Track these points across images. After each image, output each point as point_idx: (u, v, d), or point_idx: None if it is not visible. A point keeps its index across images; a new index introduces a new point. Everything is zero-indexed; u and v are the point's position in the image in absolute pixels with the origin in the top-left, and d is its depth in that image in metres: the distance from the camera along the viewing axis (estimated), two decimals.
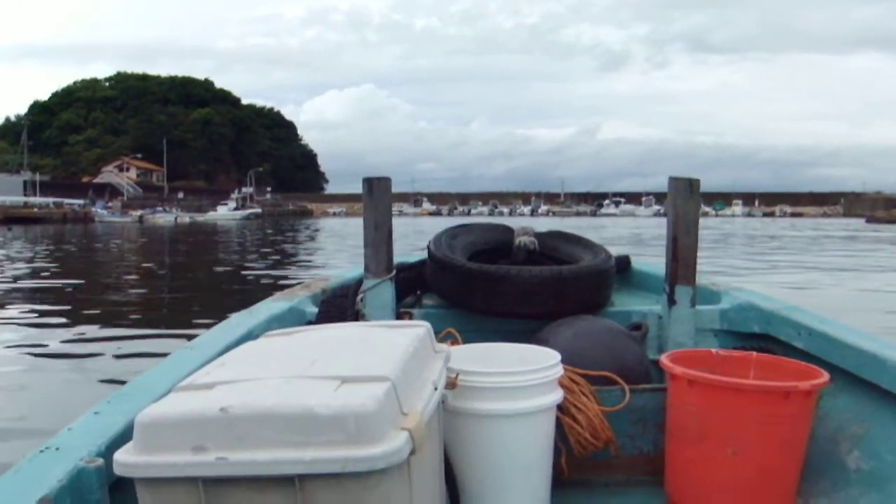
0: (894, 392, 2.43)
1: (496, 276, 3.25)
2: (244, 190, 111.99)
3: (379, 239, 3.33)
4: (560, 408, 2.45)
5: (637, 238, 36.46)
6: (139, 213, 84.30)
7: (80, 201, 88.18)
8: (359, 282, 3.44)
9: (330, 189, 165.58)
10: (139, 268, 20.73)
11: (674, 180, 3.28)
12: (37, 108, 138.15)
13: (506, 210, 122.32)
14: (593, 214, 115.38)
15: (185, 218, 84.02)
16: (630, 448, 2.78)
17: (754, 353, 2.79)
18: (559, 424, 2.48)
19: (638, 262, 4.33)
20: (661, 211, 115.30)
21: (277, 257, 23.53)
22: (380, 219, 3.32)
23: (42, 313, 10.66)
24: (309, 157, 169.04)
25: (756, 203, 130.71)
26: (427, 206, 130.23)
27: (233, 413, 1.46)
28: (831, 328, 2.87)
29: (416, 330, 2.01)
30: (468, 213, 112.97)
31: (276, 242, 32.83)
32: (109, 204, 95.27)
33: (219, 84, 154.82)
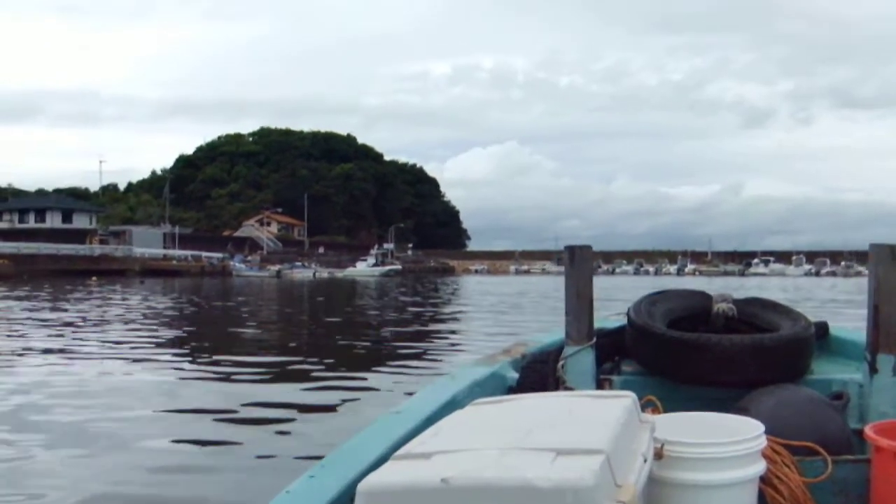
0: None
1: (696, 343, 3.27)
2: (385, 246, 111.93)
3: (581, 306, 3.38)
4: (762, 478, 2.44)
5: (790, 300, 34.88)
6: (277, 267, 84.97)
7: (219, 255, 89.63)
8: (559, 348, 3.49)
9: (472, 246, 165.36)
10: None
11: (875, 247, 3.24)
12: (182, 162, 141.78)
13: (651, 269, 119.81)
14: (742, 274, 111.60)
15: (324, 273, 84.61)
16: None
17: None
18: (762, 495, 2.47)
19: (836, 329, 4.25)
20: (813, 270, 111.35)
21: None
22: (581, 286, 3.37)
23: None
24: (451, 214, 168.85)
25: None
26: None
27: (454, 484, 1.50)
28: None
29: (623, 401, 2.04)
30: (612, 272, 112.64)
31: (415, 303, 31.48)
32: (248, 258, 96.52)
33: (362, 140, 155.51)
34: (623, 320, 3.76)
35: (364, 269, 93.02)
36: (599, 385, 3.41)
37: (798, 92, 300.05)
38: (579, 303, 3.39)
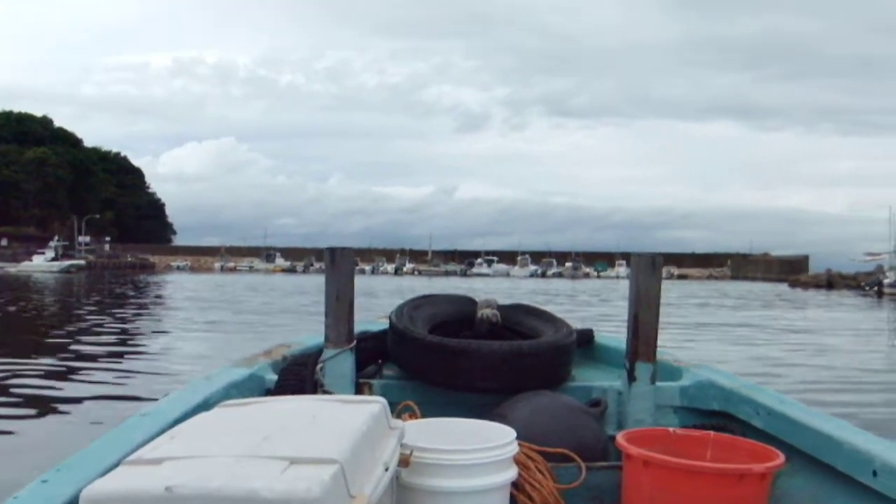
0: (849, 474, 2.46)
1: (456, 349, 3.25)
2: (80, 239, 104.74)
3: (340, 308, 3.33)
4: (515, 485, 2.42)
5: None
6: None
7: None
8: (319, 350, 3.41)
9: (179, 241, 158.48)
10: None
11: (636, 256, 3.31)
12: None
13: (367, 268, 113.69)
14: (464, 274, 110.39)
15: None
16: None
17: (712, 433, 2.79)
18: (515, 502, 2.45)
19: (602, 336, 4.35)
20: (539, 271, 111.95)
21: None
22: (341, 288, 3.32)
23: None
24: (157, 207, 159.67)
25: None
26: (281, 261, 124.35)
27: (178, 493, 1.44)
28: (790, 409, 2.91)
29: (371, 407, 2.00)
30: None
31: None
32: None
33: (81, 133, 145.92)
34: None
35: (41, 263, 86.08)
36: (359, 389, 3.37)
37: (513, 99, 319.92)
38: (338, 305, 3.33)
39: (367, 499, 1.58)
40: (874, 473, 2.35)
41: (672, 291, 49.12)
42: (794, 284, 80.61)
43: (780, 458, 2.46)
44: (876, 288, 62.09)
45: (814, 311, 33.01)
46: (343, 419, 1.85)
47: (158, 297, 36.48)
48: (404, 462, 2.05)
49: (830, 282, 79.19)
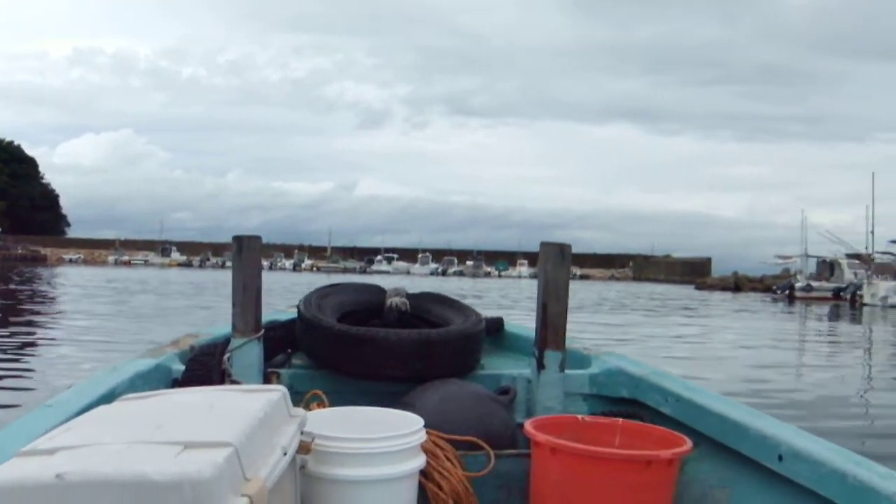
0: (755, 459, 2.49)
1: (363, 337, 3.23)
2: None
3: (247, 298, 3.28)
4: (424, 473, 2.41)
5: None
6: None
7: None
8: (227, 340, 3.36)
9: (73, 234, 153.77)
10: None
11: (545, 245, 3.29)
12: None
13: (265, 263, 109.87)
14: (363, 271, 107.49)
15: None
16: None
17: (620, 420, 2.81)
18: (423, 491, 2.43)
19: (511, 325, 4.35)
20: (440, 269, 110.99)
21: None
22: (248, 278, 3.28)
23: None
24: (51, 198, 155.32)
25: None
26: (177, 255, 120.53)
27: (69, 480, 1.44)
28: (697, 395, 2.93)
29: (270, 395, 1.99)
30: (222, 266, 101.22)
31: None
32: None
33: None
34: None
35: None
36: (267, 378, 3.34)
37: (415, 97, 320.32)
38: (245, 294, 3.28)
39: (262, 481, 1.58)
40: (780, 458, 2.38)
41: (581, 293, 49.32)
42: (700, 287, 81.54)
43: (688, 444, 2.50)
44: (787, 291, 62.98)
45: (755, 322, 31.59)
46: (241, 407, 1.85)
47: (39, 291, 35.07)
48: (304, 449, 2.04)
49: (738, 284, 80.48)
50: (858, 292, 56.19)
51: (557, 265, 3.28)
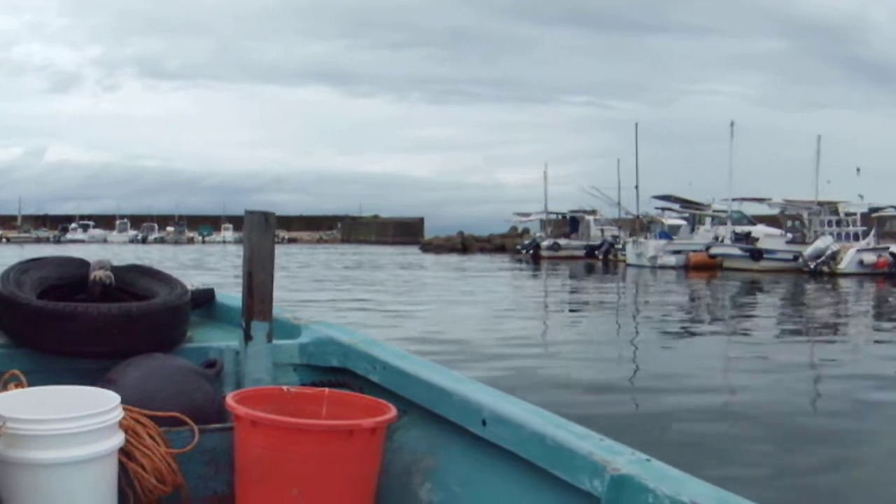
0: (461, 424, 2.56)
1: (63, 313, 3.10)
2: None
3: None
4: (126, 453, 2.37)
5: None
6: None
7: None
8: None
9: None
10: None
11: (249, 213, 3.26)
12: None
13: None
14: (57, 241, 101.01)
15: None
16: (203, 489, 2.70)
17: (327, 390, 2.84)
18: (125, 470, 2.38)
19: (223, 296, 4.27)
20: (140, 236, 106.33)
21: None
22: None
23: None
24: None
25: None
26: None
27: None
28: (405, 363, 2.99)
29: None
30: None
31: None
32: None
33: None
34: None
35: None
36: None
37: (106, 59, 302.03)
38: None
39: None
40: (483, 423, 2.45)
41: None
42: (426, 248, 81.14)
43: (392, 411, 2.56)
44: (531, 252, 61.84)
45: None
46: None
47: None
48: None
49: (465, 244, 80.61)
50: (618, 250, 54.92)
51: (262, 233, 3.26)
